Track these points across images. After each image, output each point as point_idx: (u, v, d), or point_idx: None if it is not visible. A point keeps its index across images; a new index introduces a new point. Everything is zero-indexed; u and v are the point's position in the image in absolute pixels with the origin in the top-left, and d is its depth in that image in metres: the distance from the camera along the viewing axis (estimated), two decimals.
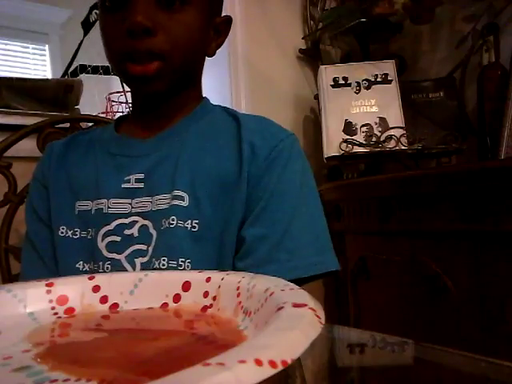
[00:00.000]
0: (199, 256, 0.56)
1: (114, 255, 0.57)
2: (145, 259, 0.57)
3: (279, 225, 0.56)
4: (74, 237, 0.61)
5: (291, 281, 0.51)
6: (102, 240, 0.58)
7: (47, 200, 0.65)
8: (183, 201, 0.57)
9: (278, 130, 0.63)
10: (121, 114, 1.73)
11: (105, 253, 0.58)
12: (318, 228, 0.60)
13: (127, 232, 0.58)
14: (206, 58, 0.66)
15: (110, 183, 0.61)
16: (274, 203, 0.57)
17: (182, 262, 0.56)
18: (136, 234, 0.58)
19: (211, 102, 0.69)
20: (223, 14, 0.67)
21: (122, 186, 0.60)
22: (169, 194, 0.58)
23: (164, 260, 0.55)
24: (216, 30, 0.64)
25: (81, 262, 0.59)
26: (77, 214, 0.62)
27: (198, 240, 0.57)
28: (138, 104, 0.66)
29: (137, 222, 0.58)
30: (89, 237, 0.60)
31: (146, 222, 0.58)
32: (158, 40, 0.55)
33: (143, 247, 0.57)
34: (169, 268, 0.55)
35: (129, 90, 0.66)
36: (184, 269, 0.56)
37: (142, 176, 0.60)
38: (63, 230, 0.61)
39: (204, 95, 0.69)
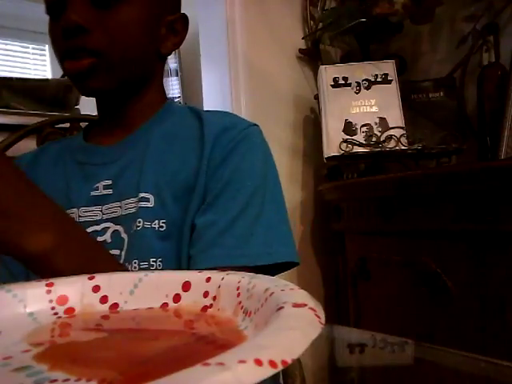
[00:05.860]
0: (170, 254, 0.57)
1: None
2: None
3: (230, 212, 0.55)
4: None
5: (242, 268, 0.50)
6: None
7: None
8: (149, 202, 0.57)
9: (240, 121, 0.63)
10: None
11: None
12: (274, 219, 0.58)
13: (100, 239, 0.58)
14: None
15: (79, 192, 0.61)
16: (227, 192, 0.56)
17: (153, 261, 0.56)
18: (109, 240, 0.58)
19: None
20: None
21: (91, 193, 0.61)
22: (135, 197, 0.58)
23: (135, 262, 0.56)
24: (171, 28, 0.63)
25: None
26: None
27: (167, 239, 0.57)
28: (98, 107, 0.66)
29: (109, 227, 0.59)
30: None
31: (118, 227, 0.58)
32: (91, 37, 0.55)
33: (117, 252, 0.57)
34: (141, 269, 0.55)
35: None
36: (156, 268, 0.56)
37: (109, 182, 0.61)
38: None
39: (169, 97, 0.68)
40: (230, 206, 0.56)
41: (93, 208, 0.60)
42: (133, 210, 0.58)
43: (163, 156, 0.61)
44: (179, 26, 0.64)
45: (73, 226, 0.45)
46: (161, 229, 0.57)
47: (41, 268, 0.39)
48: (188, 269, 0.55)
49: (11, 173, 0.39)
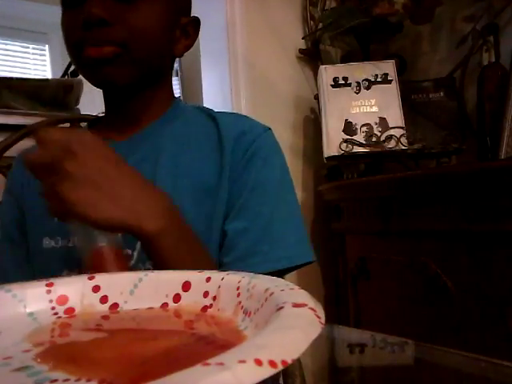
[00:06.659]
0: None
1: None
2: (131, 263, 0.56)
3: (261, 218, 0.57)
4: (57, 246, 0.60)
5: (273, 272, 0.52)
6: None
7: (21, 215, 0.64)
8: None
9: (255, 124, 0.64)
10: None
11: None
12: (296, 220, 0.61)
13: None
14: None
15: None
16: (254, 197, 0.58)
17: None
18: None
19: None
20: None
21: None
22: None
23: (150, 264, 0.55)
24: (183, 30, 0.64)
25: (66, 271, 0.58)
26: (56, 222, 0.60)
27: None
28: (107, 102, 0.65)
29: None
30: (70, 244, 0.59)
31: None
32: (115, 29, 0.55)
33: (128, 252, 0.57)
34: None
35: None
36: None
37: None
38: (47, 242, 0.60)
39: (177, 95, 0.69)
40: (259, 211, 0.57)
41: None
42: None
43: (177, 157, 0.61)
44: (191, 29, 0.65)
45: (179, 216, 0.49)
46: None
47: (152, 247, 0.45)
48: None
49: (129, 170, 0.47)
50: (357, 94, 1.36)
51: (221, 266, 0.57)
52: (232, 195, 0.58)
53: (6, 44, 2.77)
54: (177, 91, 2.04)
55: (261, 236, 0.56)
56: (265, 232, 0.57)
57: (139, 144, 0.62)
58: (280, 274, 0.57)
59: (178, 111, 0.66)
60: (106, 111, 0.67)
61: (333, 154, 1.33)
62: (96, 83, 0.61)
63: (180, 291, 0.32)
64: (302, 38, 1.61)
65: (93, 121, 0.71)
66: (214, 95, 1.55)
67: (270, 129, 0.64)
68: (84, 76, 0.61)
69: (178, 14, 0.63)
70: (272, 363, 0.15)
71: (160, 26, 0.59)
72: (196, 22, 0.65)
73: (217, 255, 0.58)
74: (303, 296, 0.23)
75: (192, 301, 0.31)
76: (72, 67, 1.54)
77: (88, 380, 0.20)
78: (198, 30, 0.66)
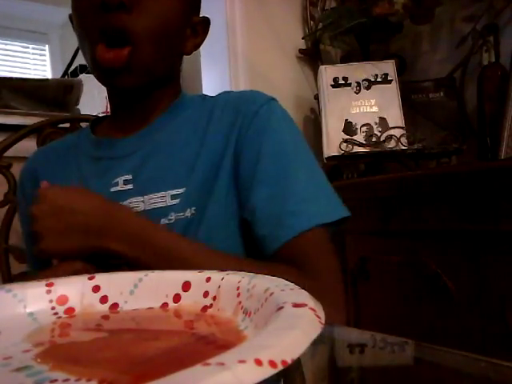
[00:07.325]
0: (200, 240, 0.57)
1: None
2: None
3: (283, 181, 0.56)
4: None
5: (308, 231, 0.54)
6: None
7: None
8: (178, 198, 0.58)
9: (258, 95, 0.63)
10: None
11: None
12: (321, 180, 0.60)
13: None
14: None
15: (97, 189, 0.59)
16: (271, 165, 0.57)
17: None
18: None
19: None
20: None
21: (111, 189, 0.60)
22: (163, 192, 0.58)
23: None
24: (194, 29, 0.63)
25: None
26: None
27: (198, 223, 0.57)
28: (115, 101, 0.65)
29: None
30: None
31: None
32: (132, 18, 0.53)
33: None
34: None
35: None
36: None
37: (129, 177, 0.60)
38: None
39: (182, 90, 0.69)
40: (280, 176, 0.56)
41: None
42: (160, 205, 0.58)
43: (187, 147, 0.60)
44: (200, 28, 0.64)
45: (147, 235, 0.52)
46: (193, 216, 0.57)
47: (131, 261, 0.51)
48: (255, 251, 0.56)
49: (96, 199, 0.54)
50: (357, 94, 1.36)
51: (258, 240, 0.56)
52: (242, 170, 0.57)
53: (6, 44, 2.77)
54: None
55: (288, 197, 0.55)
56: (292, 193, 0.55)
57: (147, 138, 0.62)
58: (322, 233, 0.56)
59: (184, 104, 0.65)
60: (112, 110, 0.66)
61: (333, 154, 1.33)
62: (105, 85, 0.61)
63: (180, 291, 0.32)
64: (302, 38, 1.61)
65: (94, 121, 0.71)
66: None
67: (274, 99, 0.64)
68: (93, 74, 0.60)
69: (192, 11, 0.62)
70: (272, 363, 0.15)
71: (175, 23, 0.58)
72: (206, 23, 0.65)
73: (215, 228, 0.58)
74: (303, 296, 0.23)
75: (192, 301, 0.31)
76: (72, 67, 1.54)
77: (88, 380, 0.20)
78: (207, 31, 0.65)
